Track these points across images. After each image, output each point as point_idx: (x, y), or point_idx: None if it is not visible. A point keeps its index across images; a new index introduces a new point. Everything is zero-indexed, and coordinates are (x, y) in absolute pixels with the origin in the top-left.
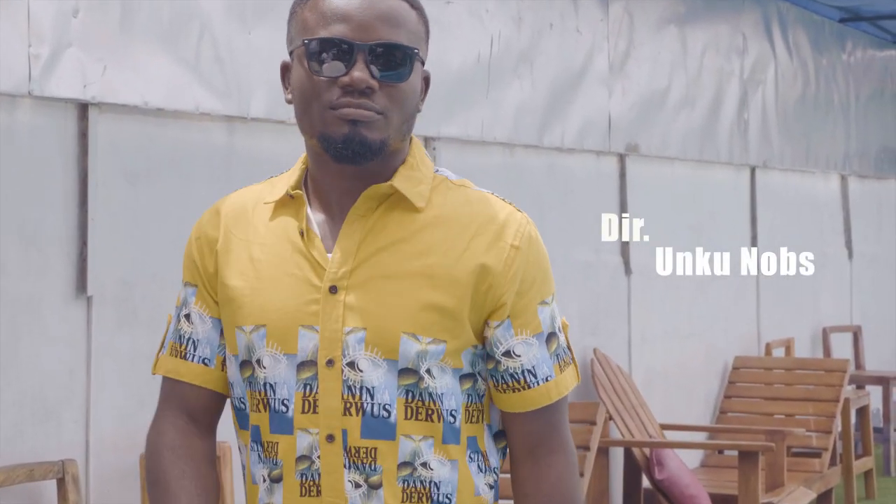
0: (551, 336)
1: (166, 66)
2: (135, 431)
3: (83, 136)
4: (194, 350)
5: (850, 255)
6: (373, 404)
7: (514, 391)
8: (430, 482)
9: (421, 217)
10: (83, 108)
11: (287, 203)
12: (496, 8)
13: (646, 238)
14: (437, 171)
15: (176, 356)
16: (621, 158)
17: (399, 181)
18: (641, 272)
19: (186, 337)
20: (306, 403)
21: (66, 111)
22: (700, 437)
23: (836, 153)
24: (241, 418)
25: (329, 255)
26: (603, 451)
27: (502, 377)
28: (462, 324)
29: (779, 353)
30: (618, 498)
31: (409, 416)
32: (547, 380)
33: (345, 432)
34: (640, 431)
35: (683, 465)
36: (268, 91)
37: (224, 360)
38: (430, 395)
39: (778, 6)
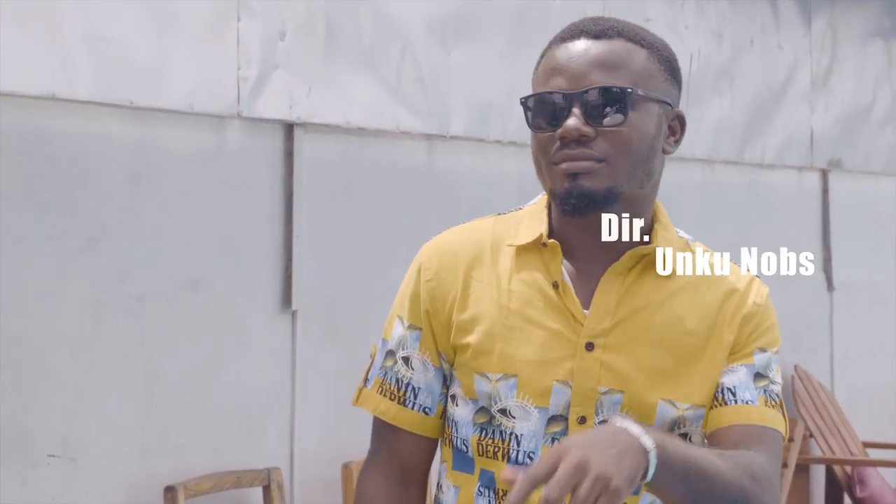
0: (759, 375)
1: (368, 87)
2: (338, 443)
3: (289, 155)
4: (414, 397)
5: None
6: None
7: (711, 408)
8: None
9: (672, 282)
10: (289, 129)
11: (532, 249)
12: (696, 24)
13: (849, 254)
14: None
15: (392, 399)
16: (824, 174)
17: (660, 244)
18: (844, 288)
19: (405, 382)
20: None
21: (273, 131)
22: None
23: None
24: (461, 460)
25: (585, 311)
26: (803, 469)
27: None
28: (713, 390)
29: None
30: None
31: None
32: (747, 403)
33: None
34: (842, 449)
35: (886, 483)
36: (467, 109)
37: (444, 408)
38: None
39: None
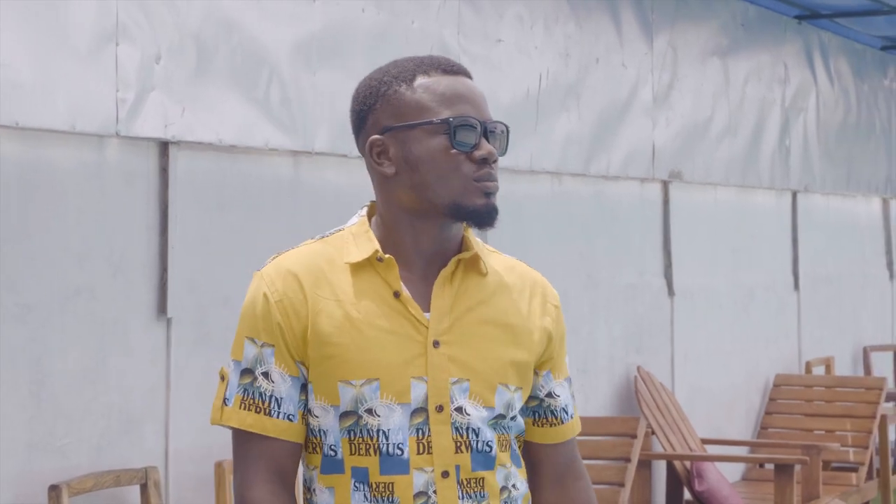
0: (570, 381)
1: (238, 106)
2: (211, 443)
3: (164, 171)
4: (279, 407)
5: (891, 275)
6: (478, 441)
7: (552, 426)
8: (519, 499)
9: (488, 281)
10: (164, 147)
11: (367, 265)
12: (544, 45)
13: (689, 261)
14: None
15: (257, 412)
16: (665, 185)
17: (474, 249)
18: (684, 293)
19: (268, 394)
20: (420, 445)
21: (148, 149)
22: (740, 451)
23: (878, 177)
24: (331, 464)
25: (426, 314)
26: (645, 464)
27: (544, 413)
28: (531, 374)
29: (819, 371)
30: None
31: (503, 448)
32: (572, 417)
33: (458, 468)
34: (682, 445)
35: (723, 477)
36: (330, 128)
37: (304, 415)
38: (508, 428)
39: (819, 35)
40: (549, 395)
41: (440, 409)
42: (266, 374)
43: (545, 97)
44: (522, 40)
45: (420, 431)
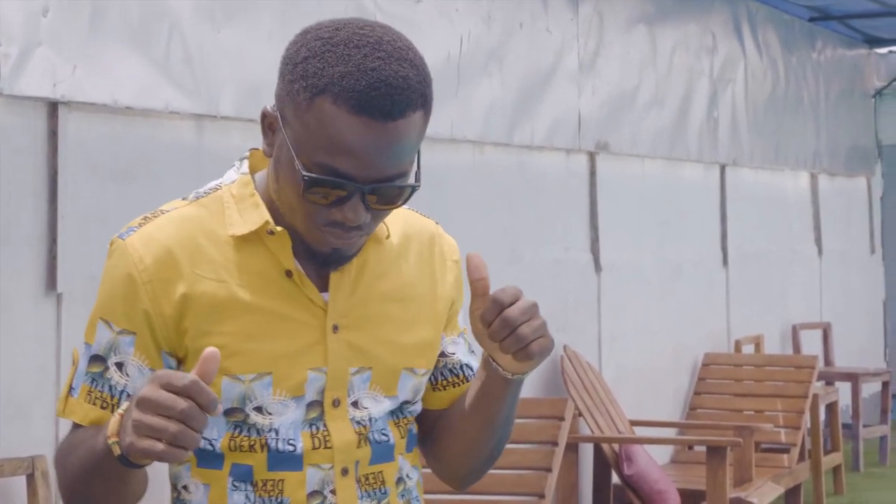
0: (464, 334)
1: (136, 65)
2: None
3: (53, 134)
4: None
5: (820, 252)
6: (374, 432)
7: (454, 386)
8: (414, 489)
9: (388, 246)
10: (53, 107)
11: (254, 239)
12: (466, 7)
13: (616, 235)
14: None
15: (104, 407)
16: (591, 156)
17: None
18: (611, 269)
19: (119, 389)
20: (316, 440)
21: (35, 110)
22: (669, 433)
23: (806, 151)
24: (208, 457)
25: (323, 295)
26: (573, 447)
27: (442, 374)
28: (438, 349)
29: (748, 349)
30: (588, 493)
31: (402, 434)
32: (474, 369)
33: (357, 463)
34: (610, 427)
35: (652, 460)
36: (236, 90)
37: None
38: (411, 412)
39: (748, 5)
40: (443, 354)
41: (336, 403)
42: (120, 366)
43: (466, 62)
44: (443, 2)
45: (314, 426)
